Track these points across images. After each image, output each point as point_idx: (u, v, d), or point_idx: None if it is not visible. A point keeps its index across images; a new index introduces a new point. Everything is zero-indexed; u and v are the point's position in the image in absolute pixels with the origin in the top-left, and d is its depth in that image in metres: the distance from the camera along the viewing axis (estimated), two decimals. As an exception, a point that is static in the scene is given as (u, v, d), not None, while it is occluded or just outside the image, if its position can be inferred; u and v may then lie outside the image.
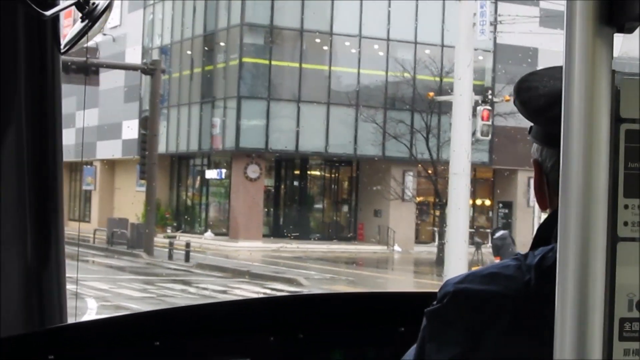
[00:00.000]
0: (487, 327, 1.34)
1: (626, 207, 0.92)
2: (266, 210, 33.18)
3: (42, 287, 2.22)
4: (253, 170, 31.06)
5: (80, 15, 2.05)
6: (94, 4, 2.04)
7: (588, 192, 0.90)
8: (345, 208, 34.06)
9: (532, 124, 1.46)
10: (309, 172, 35.25)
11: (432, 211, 33.50)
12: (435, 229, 31.44)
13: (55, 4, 2.03)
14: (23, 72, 2.13)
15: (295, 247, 27.65)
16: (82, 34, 2.07)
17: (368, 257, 28.29)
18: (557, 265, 0.91)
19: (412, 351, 1.46)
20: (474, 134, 19.54)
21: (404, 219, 31.26)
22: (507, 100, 23.27)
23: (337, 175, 35.14)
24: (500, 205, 20.46)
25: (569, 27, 0.92)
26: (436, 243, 29.03)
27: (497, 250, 18.01)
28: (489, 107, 21.77)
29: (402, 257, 29.55)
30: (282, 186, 35.16)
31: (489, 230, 26.24)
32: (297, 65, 31.61)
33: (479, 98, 21.27)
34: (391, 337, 2.29)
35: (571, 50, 0.91)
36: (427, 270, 26.42)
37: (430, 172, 28.71)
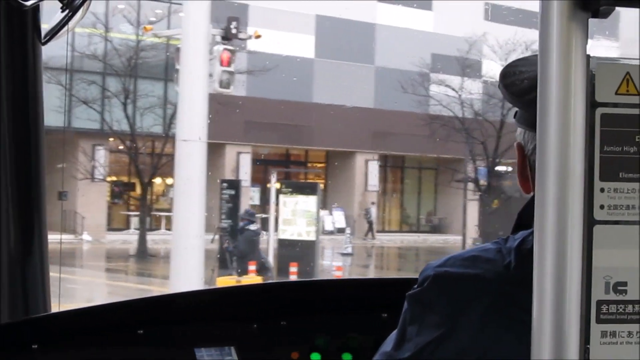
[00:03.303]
0: (467, 310, 1.39)
1: (602, 190, 0.96)
2: None
3: (25, 277, 2.27)
4: None
5: (60, 5, 2.09)
6: None
7: (564, 176, 0.93)
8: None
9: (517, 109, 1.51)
10: None
11: (129, 193, 29.33)
12: (133, 213, 28.34)
13: None
14: (4, 62, 2.16)
15: None
16: (62, 24, 2.10)
17: (52, 248, 26.69)
18: (534, 249, 0.95)
19: (393, 335, 1.51)
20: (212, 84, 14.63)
21: (94, 202, 27.24)
22: (258, 37, 18.45)
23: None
24: (225, 185, 18.25)
25: (544, 11, 0.95)
26: (132, 230, 26.68)
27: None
28: (232, 47, 15.59)
29: (93, 249, 26.38)
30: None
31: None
32: None
33: (218, 33, 15.85)
34: (374, 323, 2.36)
35: (546, 35, 0.95)
36: (129, 267, 23.37)
37: (126, 146, 24.61)
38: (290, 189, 20.02)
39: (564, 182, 0.93)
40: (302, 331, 2.38)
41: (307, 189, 20.22)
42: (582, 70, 0.94)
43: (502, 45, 24.75)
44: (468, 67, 25.74)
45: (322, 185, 26.95)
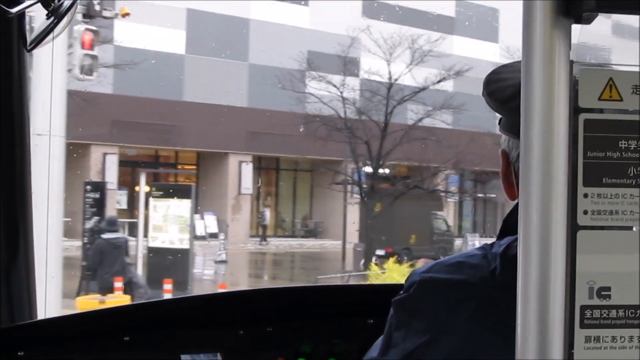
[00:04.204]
0: (453, 315, 1.45)
1: (585, 195, 1.01)
2: None
3: (11, 283, 2.34)
4: None
5: (45, 12, 2.14)
6: (59, 1, 2.13)
7: (548, 181, 0.98)
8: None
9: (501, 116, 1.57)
10: None
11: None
12: None
13: (20, 1, 2.13)
14: None
15: None
16: (47, 31, 2.16)
17: None
18: (518, 254, 1.00)
19: (379, 341, 1.55)
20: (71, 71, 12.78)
21: None
22: (126, 15, 16.22)
23: None
24: (89, 187, 17.73)
25: (527, 18, 1.00)
26: None
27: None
28: (94, 28, 13.54)
29: None
30: None
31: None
32: None
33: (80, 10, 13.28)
34: (360, 329, 2.44)
35: (530, 41, 1.00)
36: None
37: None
38: (161, 192, 19.50)
39: (548, 188, 0.98)
40: (288, 337, 2.47)
41: (179, 192, 19.68)
42: (566, 76, 0.99)
43: (386, 40, 25.04)
44: (347, 65, 25.96)
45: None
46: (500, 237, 1.52)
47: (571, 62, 1.00)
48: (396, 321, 1.52)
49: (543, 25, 0.99)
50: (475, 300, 1.45)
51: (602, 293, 1.01)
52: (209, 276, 24.65)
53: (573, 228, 1.00)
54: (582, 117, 1.01)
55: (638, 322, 1.01)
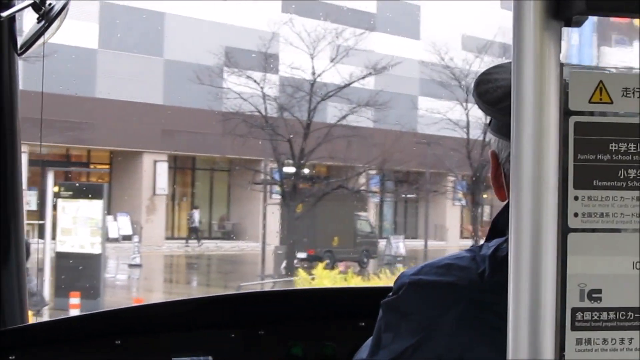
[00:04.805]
0: (441, 317, 1.49)
1: (576, 198, 1.05)
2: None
3: (1, 287, 2.38)
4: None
5: (36, 16, 2.20)
6: (50, 4, 2.18)
7: (538, 184, 1.02)
8: None
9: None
10: None
11: None
12: None
13: (11, 5, 2.18)
14: None
15: None
16: (38, 35, 2.24)
17: None
18: (509, 257, 1.03)
19: (369, 342, 1.60)
20: None
21: None
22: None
23: None
24: None
25: (517, 20, 1.03)
26: None
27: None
28: None
29: None
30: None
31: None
32: None
33: None
34: (351, 332, 2.50)
35: (520, 44, 1.03)
36: None
37: None
38: (70, 192, 19.03)
39: (538, 190, 1.02)
40: (279, 340, 2.54)
41: (90, 192, 19.21)
42: (556, 78, 1.03)
43: (309, 33, 25.06)
44: (267, 61, 25.95)
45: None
46: (488, 238, 1.56)
47: (561, 65, 1.03)
48: (385, 323, 1.56)
49: (533, 27, 1.02)
50: (464, 302, 1.49)
51: (593, 295, 1.04)
52: (122, 281, 24.41)
53: (564, 230, 1.04)
54: (573, 119, 1.05)
55: (629, 325, 1.04)
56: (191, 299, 2.81)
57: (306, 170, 25.73)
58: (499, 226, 1.56)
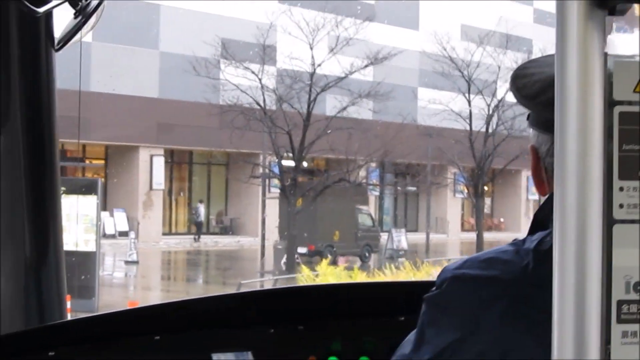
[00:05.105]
0: (485, 311, 1.49)
1: (621, 189, 1.05)
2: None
3: (41, 284, 2.45)
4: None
5: (73, 11, 2.22)
6: (87, 0, 2.21)
7: (583, 175, 1.02)
8: None
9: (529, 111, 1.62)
10: None
11: None
12: None
13: (48, 1, 2.18)
14: (17, 70, 2.31)
15: None
16: (75, 30, 2.25)
17: None
18: (554, 249, 1.03)
19: (411, 337, 1.61)
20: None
21: None
22: None
23: None
24: None
25: (560, 11, 1.04)
26: None
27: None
28: None
29: None
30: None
31: None
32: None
33: None
34: (391, 327, 2.50)
35: (563, 34, 1.03)
36: None
37: None
38: (64, 188, 18.86)
39: (583, 182, 1.02)
40: (319, 335, 2.57)
41: (84, 188, 19.09)
42: (600, 69, 1.03)
43: (308, 23, 25.04)
44: (265, 52, 25.93)
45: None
46: (531, 232, 1.57)
47: (605, 55, 1.03)
48: (428, 318, 1.57)
49: (577, 17, 1.03)
50: (508, 296, 1.49)
51: (639, 287, 1.05)
52: (118, 279, 24.40)
53: (609, 222, 1.04)
54: (617, 109, 1.05)
55: (675, 316, 1.05)
56: (230, 294, 2.85)
57: (306, 164, 25.72)
58: (540, 219, 1.56)
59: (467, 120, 27.72)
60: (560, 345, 1.03)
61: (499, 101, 27.36)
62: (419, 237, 31.64)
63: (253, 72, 25.35)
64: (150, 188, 31.77)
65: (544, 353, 1.05)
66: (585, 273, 1.02)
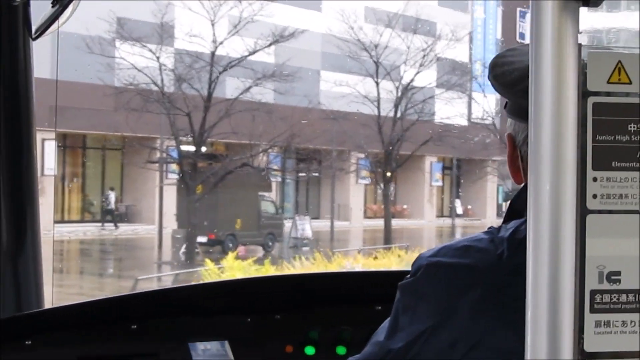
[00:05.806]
0: (460, 299, 1.54)
1: (595, 179, 1.10)
2: None
3: (18, 273, 2.52)
4: None
5: (51, 0, 2.32)
6: None
7: (557, 165, 1.07)
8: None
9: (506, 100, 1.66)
10: None
11: None
12: None
13: None
14: None
15: None
16: (52, 19, 2.38)
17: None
18: (527, 239, 1.08)
19: (385, 324, 1.65)
20: None
21: None
22: None
23: None
24: None
25: (535, 1, 1.08)
26: None
27: None
28: None
29: None
30: None
31: None
32: None
33: None
34: (367, 316, 2.56)
35: (538, 25, 1.08)
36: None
37: None
38: None
39: (557, 172, 1.07)
40: (296, 324, 2.64)
41: None
42: (574, 59, 1.08)
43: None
44: (162, 29, 25.72)
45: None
46: (506, 220, 1.62)
47: (579, 46, 1.08)
48: (402, 305, 1.62)
49: (551, 8, 1.07)
50: (482, 284, 1.54)
51: (612, 277, 1.10)
52: None
53: (582, 212, 1.09)
54: (591, 100, 1.10)
55: (649, 306, 1.10)
56: (207, 283, 2.88)
57: (205, 148, 25.59)
58: (516, 208, 1.62)
59: (375, 104, 27.86)
60: (534, 334, 1.08)
61: (407, 84, 27.57)
62: (322, 224, 31.73)
63: (150, 51, 25.12)
64: (42, 174, 31.23)
65: (518, 341, 1.10)
66: (559, 263, 1.07)
